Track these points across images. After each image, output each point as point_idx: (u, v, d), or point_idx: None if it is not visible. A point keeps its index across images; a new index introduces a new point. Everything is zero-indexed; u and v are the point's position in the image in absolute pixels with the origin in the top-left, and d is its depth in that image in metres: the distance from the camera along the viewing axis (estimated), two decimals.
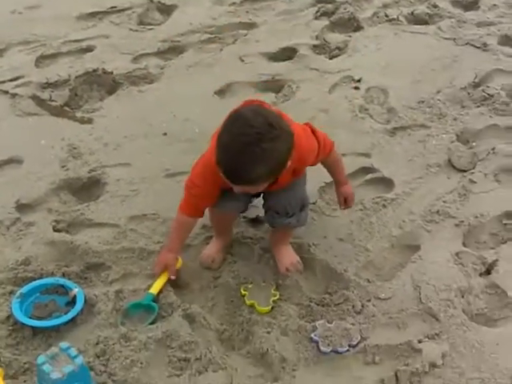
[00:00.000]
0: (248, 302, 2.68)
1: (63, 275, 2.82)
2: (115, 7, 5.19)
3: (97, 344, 2.51)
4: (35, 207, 3.24)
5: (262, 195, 2.81)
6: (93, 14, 5.13)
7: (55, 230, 3.10)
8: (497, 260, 2.83)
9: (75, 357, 2.28)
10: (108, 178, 3.42)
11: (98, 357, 2.48)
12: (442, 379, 2.35)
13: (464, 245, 2.95)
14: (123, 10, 5.15)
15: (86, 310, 2.68)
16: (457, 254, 2.87)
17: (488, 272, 2.80)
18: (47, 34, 4.82)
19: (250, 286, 2.75)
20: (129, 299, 2.74)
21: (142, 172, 3.46)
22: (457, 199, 3.16)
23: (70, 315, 2.62)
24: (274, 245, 2.90)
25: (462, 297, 2.69)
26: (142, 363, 2.44)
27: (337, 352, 2.48)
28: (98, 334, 2.55)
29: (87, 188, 3.43)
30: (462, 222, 3.03)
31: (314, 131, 2.65)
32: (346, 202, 2.96)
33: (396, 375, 2.36)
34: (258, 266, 2.85)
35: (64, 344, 2.32)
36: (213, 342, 2.56)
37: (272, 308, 2.66)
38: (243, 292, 2.72)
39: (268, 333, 2.55)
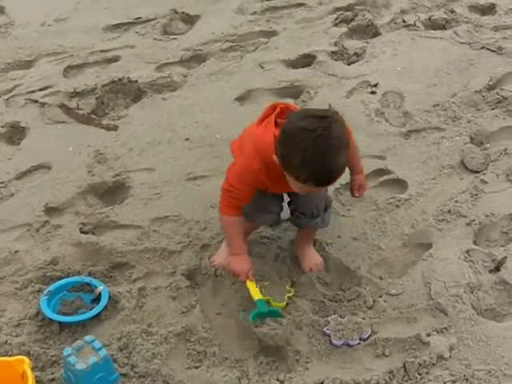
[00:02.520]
0: (264, 299, 2.79)
1: (89, 274, 2.97)
2: (140, 18, 5.35)
3: (120, 338, 2.66)
4: (63, 210, 3.39)
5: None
6: (118, 26, 5.29)
7: (82, 231, 3.25)
8: (506, 257, 2.90)
9: (99, 349, 2.43)
10: (132, 182, 3.56)
11: (121, 350, 2.61)
12: (449, 370, 2.44)
13: (475, 243, 3.03)
14: (148, 20, 5.30)
15: (110, 306, 2.83)
16: (467, 252, 2.95)
17: (497, 269, 2.88)
18: (75, 45, 4.99)
19: (265, 284, 2.86)
20: (151, 296, 2.87)
21: (164, 176, 3.59)
22: (468, 199, 3.25)
23: (95, 311, 2.76)
24: (298, 245, 3.01)
25: (472, 293, 2.77)
26: (162, 356, 2.57)
27: (348, 345, 2.59)
28: (121, 329, 2.70)
29: (112, 192, 3.58)
30: (473, 220, 3.12)
31: None
32: (359, 190, 3.03)
33: (405, 367, 2.45)
34: (275, 265, 2.97)
35: (89, 337, 2.47)
36: (230, 337, 2.68)
37: (287, 304, 2.78)
38: (260, 289, 2.82)
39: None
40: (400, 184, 3.42)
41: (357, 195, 3.03)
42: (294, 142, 2.38)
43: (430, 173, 3.46)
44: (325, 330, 2.63)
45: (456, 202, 3.23)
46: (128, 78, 4.45)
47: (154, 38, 5.06)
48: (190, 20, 5.35)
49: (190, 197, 3.44)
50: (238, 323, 2.73)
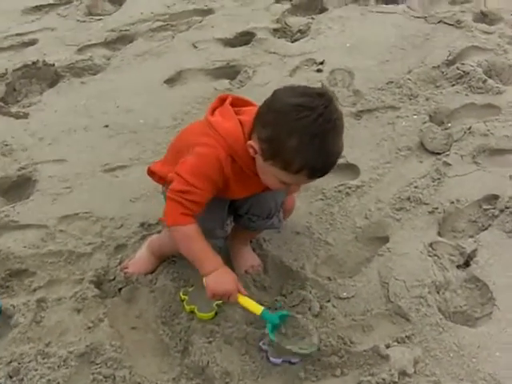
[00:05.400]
0: (188, 308, 2.29)
1: None
2: None
3: (10, 362, 2.16)
4: None
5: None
6: (39, 8, 4.74)
7: None
8: (476, 250, 2.47)
9: None
10: (39, 176, 3.03)
11: (11, 377, 2.13)
12: None
13: (439, 234, 2.60)
14: (71, 1, 4.77)
15: (2, 322, 2.34)
16: (431, 245, 2.52)
17: (467, 264, 2.45)
18: None
19: (190, 290, 2.36)
20: (52, 309, 2.36)
21: (77, 167, 3.07)
22: (430, 184, 2.81)
23: None
24: (232, 244, 2.51)
25: (438, 293, 2.34)
26: (59, 383, 2.05)
27: (289, 362, 2.10)
28: (12, 351, 2.20)
29: (17, 187, 3.04)
30: (437, 208, 2.68)
31: None
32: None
33: None
34: None
35: None
36: (144, 356, 2.18)
37: (216, 314, 2.27)
38: (182, 296, 2.34)
39: (209, 342, 2.17)
40: (351, 169, 2.96)
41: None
42: (288, 121, 1.93)
43: (385, 156, 3.01)
44: (261, 344, 2.15)
45: (415, 187, 2.79)
46: (44, 61, 3.92)
47: (77, 20, 4.52)
48: (117, 1, 4.82)
49: (106, 190, 2.94)
50: (157, 339, 2.22)
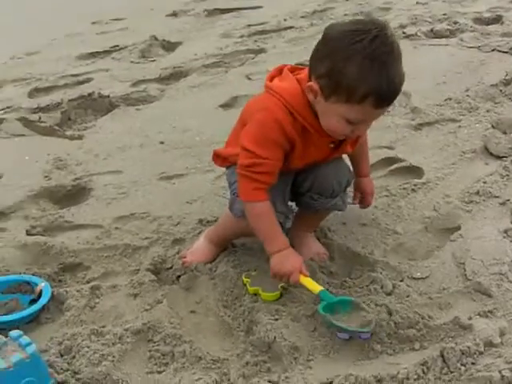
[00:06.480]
0: (251, 290, 2.16)
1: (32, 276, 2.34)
2: (117, 46, 4.94)
3: (61, 342, 2.02)
4: (9, 215, 2.80)
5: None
6: (93, 54, 4.88)
7: (28, 234, 2.65)
8: None
9: (27, 345, 1.79)
10: (94, 185, 3.00)
11: (62, 355, 1.99)
12: (504, 358, 1.77)
13: None
14: (125, 47, 4.89)
15: (54, 307, 2.22)
16: (505, 232, 2.34)
17: None
18: (44, 72, 4.54)
19: (253, 274, 2.24)
20: (107, 296, 2.24)
21: (132, 177, 3.03)
22: (499, 180, 2.66)
23: (29, 311, 2.14)
24: (295, 233, 2.37)
25: None
26: (114, 357, 1.93)
27: (359, 338, 1.93)
28: (64, 332, 2.07)
29: (71, 196, 2.99)
30: (508, 200, 2.52)
31: None
32: (366, 196, 2.48)
33: (442, 356, 1.79)
34: (264, 255, 2.33)
35: (15, 332, 1.83)
36: (205, 337, 2.04)
37: (281, 295, 2.14)
38: (245, 280, 2.21)
39: (276, 320, 2.02)
40: (415, 171, 2.84)
41: (361, 203, 2.49)
42: (344, 47, 1.86)
43: (450, 158, 2.89)
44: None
45: (484, 183, 2.65)
46: (99, 93, 3.97)
47: (131, 61, 4.61)
48: (170, 47, 4.93)
49: (162, 194, 2.88)
50: (219, 321, 2.09)
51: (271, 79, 2.15)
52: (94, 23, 5.82)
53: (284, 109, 2.02)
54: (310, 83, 1.96)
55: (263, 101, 2.09)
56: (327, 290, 2.08)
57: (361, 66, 1.84)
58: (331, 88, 1.90)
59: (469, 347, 1.80)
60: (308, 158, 2.14)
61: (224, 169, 2.43)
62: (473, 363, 1.78)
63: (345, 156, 2.34)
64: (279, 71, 2.18)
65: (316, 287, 2.05)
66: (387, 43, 1.85)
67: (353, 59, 1.84)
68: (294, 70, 2.16)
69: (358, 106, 1.89)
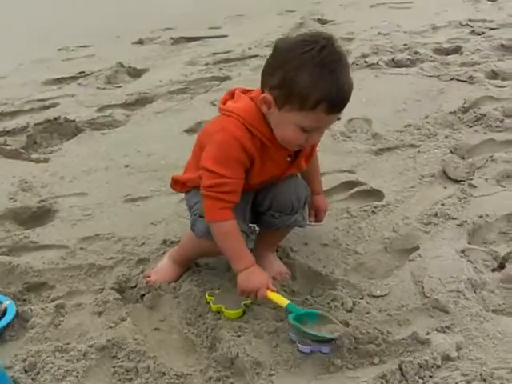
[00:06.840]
0: (214, 307, 2.19)
1: None
2: (83, 72, 4.97)
3: (25, 359, 2.03)
4: None
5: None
6: (60, 80, 4.90)
7: None
8: (511, 252, 2.37)
9: None
10: (59, 207, 3.00)
11: (26, 371, 2.00)
12: (460, 371, 1.83)
13: (470, 244, 2.50)
14: (91, 73, 4.92)
15: (18, 325, 2.23)
16: (462, 251, 2.42)
17: (502, 266, 2.33)
18: (10, 96, 4.54)
19: (216, 292, 2.27)
20: (72, 314, 2.26)
21: (97, 199, 3.05)
22: (456, 202, 2.74)
23: None
24: (259, 252, 2.40)
25: (475, 292, 2.21)
26: (78, 373, 1.94)
27: (320, 352, 1.97)
28: (28, 349, 2.08)
29: (36, 217, 2.99)
30: (465, 221, 2.60)
31: None
32: (319, 213, 2.54)
33: (401, 369, 1.84)
34: (227, 275, 2.38)
35: None
36: (168, 354, 2.07)
37: (243, 313, 2.18)
38: (208, 298, 2.24)
39: (238, 336, 2.06)
40: (375, 194, 2.91)
41: (315, 219, 2.54)
42: (294, 57, 1.95)
43: (409, 182, 2.98)
44: (290, 334, 2.03)
45: (442, 205, 2.73)
46: (65, 117, 3.99)
47: (97, 87, 4.65)
48: (136, 74, 4.98)
49: (127, 216, 2.90)
50: (182, 338, 2.12)
51: (225, 102, 2.22)
52: (60, 50, 5.86)
53: (241, 126, 2.08)
54: (263, 95, 2.03)
55: (220, 122, 2.15)
56: None
57: (312, 74, 1.92)
58: (284, 97, 1.97)
59: (426, 361, 1.86)
60: (266, 174, 2.19)
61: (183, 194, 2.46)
62: (430, 376, 1.84)
63: None
64: (231, 94, 2.25)
65: (283, 301, 2.09)
66: (335, 52, 1.95)
67: (304, 68, 1.92)
68: (245, 92, 2.23)
69: (312, 113, 1.96)
